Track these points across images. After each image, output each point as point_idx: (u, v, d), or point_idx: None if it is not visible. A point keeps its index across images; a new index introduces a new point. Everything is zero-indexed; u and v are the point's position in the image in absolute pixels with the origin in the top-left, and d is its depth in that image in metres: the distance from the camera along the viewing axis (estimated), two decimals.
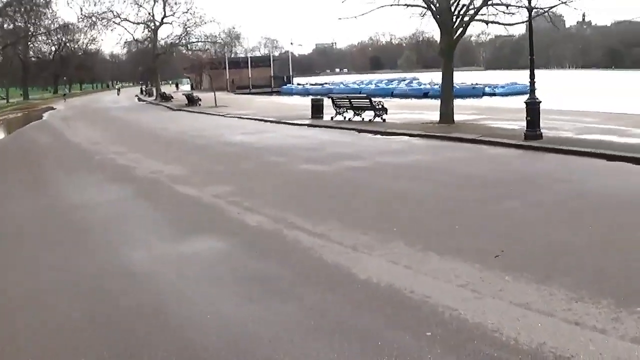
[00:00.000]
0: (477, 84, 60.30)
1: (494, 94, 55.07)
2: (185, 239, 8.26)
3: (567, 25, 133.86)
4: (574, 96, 42.82)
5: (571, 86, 60.59)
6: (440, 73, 21.78)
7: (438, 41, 22.28)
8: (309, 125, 25.45)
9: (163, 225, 9.33)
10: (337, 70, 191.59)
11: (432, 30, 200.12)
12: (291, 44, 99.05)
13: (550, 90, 38.49)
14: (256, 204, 10.14)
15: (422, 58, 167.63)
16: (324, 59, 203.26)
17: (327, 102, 28.46)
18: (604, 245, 7.18)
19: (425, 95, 56.37)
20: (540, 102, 16.74)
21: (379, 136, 20.32)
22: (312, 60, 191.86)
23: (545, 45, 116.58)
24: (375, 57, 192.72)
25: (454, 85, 23.13)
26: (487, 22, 20.95)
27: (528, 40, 17.23)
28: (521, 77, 71.49)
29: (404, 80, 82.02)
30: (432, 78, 67.35)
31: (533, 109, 16.52)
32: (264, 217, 9.13)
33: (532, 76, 16.79)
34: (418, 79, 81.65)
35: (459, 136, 18.14)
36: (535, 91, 16.74)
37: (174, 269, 6.93)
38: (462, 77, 63.30)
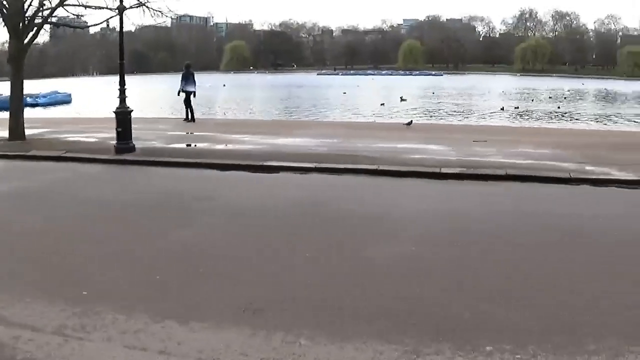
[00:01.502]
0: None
1: (36, 105, 50.75)
2: None
3: (92, 32, 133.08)
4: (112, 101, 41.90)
5: (110, 92, 59.35)
6: None
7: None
8: None
9: None
10: None
11: None
12: None
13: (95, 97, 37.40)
14: None
15: None
16: None
17: None
18: (351, 278, 6.32)
19: None
20: (132, 110, 15.43)
21: None
22: None
23: (70, 52, 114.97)
24: None
25: None
26: (58, 25, 18.84)
27: (118, 43, 15.99)
28: (48, 85, 68.37)
29: None
30: None
31: (125, 119, 15.09)
32: None
33: (122, 83, 15.34)
34: None
35: (42, 154, 15.42)
36: (126, 99, 15.36)
37: None
38: None
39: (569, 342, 4.67)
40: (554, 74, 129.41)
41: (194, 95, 24.14)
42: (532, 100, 51.26)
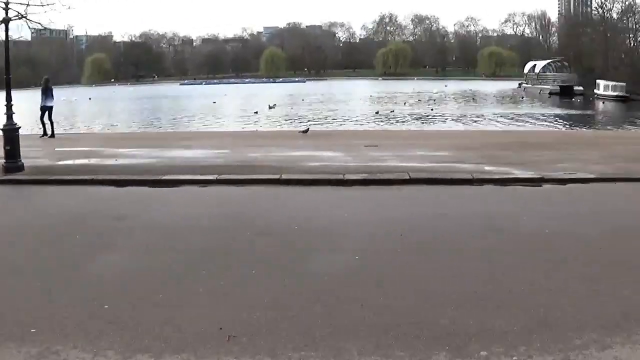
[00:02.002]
0: None
1: None
2: None
3: None
4: None
5: None
6: None
7: None
8: None
9: None
10: None
11: None
12: None
13: None
14: None
15: None
16: None
17: None
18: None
19: None
20: (20, 127, 14.62)
21: None
22: None
23: None
24: None
25: None
26: None
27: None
28: None
29: None
30: None
31: (13, 136, 14.26)
32: None
33: (9, 98, 14.48)
34: None
35: None
36: (14, 115, 14.51)
37: None
38: None
39: (555, 340, 4.82)
40: (415, 77, 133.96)
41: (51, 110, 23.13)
42: (405, 104, 52.76)
